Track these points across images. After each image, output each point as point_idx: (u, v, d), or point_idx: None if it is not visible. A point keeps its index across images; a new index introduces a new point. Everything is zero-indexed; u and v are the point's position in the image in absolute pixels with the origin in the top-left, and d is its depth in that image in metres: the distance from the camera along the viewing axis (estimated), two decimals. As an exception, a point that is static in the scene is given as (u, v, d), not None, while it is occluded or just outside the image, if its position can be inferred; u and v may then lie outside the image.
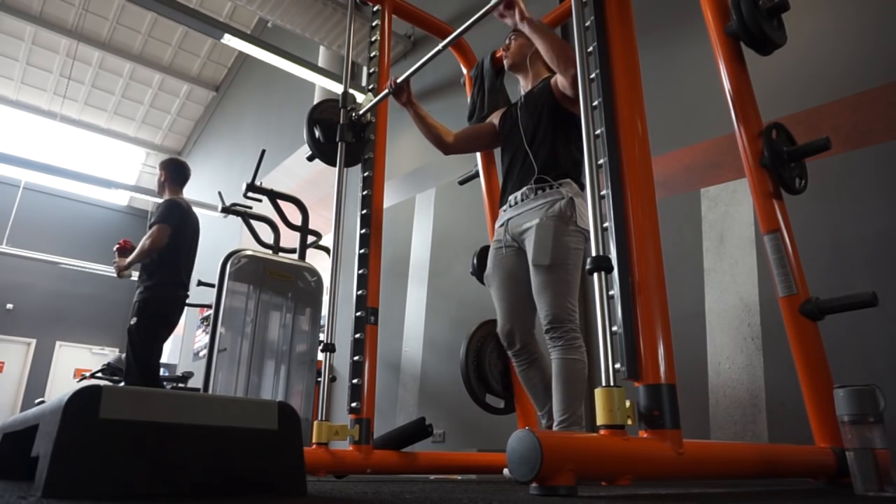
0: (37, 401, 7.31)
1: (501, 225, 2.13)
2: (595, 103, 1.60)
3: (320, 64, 6.07)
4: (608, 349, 1.33)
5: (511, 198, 2.10)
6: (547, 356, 1.97)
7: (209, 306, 5.59)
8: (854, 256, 2.31)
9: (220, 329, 4.98)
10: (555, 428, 1.89)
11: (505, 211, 2.13)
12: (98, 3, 8.67)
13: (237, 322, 5.20)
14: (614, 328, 1.41)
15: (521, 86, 2.31)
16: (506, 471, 1.97)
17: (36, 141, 10.89)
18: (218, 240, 8.31)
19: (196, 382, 6.10)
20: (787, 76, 2.59)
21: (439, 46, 2.35)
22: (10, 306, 10.96)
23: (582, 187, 2.01)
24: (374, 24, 2.85)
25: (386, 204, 2.66)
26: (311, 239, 4.85)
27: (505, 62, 2.33)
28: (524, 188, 2.06)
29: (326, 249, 4.45)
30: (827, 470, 1.65)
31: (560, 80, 2.03)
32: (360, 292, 2.45)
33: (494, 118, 2.43)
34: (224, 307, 5.02)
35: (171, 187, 3.93)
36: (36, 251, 10.52)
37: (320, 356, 2.64)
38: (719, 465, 1.50)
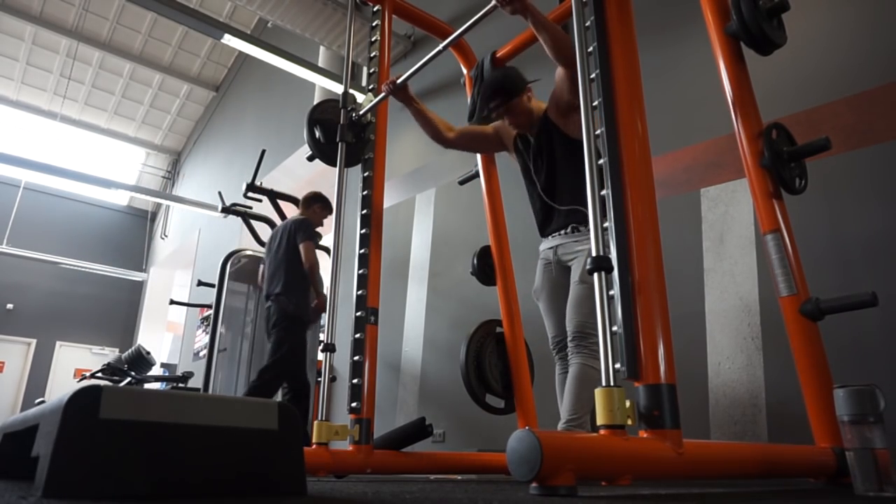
0: (37, 401, 7.32)
1: (550, 248, 2.24)
2: (595, 103, 1.60)
3: (320, 64, 6.07)
4: (608, 349, 1.33)
5: (560, 232, 2.21)
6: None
7: (209, 306, 5.59)
8: (854, 256, 2.31)
9: (220, 329, 4.98)
10: (560, 426, 1.92)
11: (553, 238, 2.24)
12: (98, 3, 8.67)
13: (237, 322, 5.21)
14: (614, 328, 1.41)
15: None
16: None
17: (36, 141, 10.89)
18: (218, 240, 8.32)
19: (196, 382, 6.10)
20: (786, 76, 2.59)
21: (439, 47, 2.35)
22: (10, 306, 10.97)
23: None
24: (374, 24, 2.85)
25: (386, 204, 2.66)
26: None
27: (517, 130, 2.32)
28: (571, 219, 2.16)
29: (326, 249, 4.44)
30: (827, 470, 1.65)
31: (558, 83, 2.07)
32: (360, 292, 2.45)
33: (501, 129, 2.42)
34: (224, 307, 5.03)
35: (314, 212, 3.93)
36: (36, 251, 10.54)
37: (320, 356, 2.64)
38: (719, 465, 1.50)
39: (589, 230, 2.02)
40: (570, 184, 2.14)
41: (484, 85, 2.32)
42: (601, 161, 1.55)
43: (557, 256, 2.21)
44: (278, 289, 3.60)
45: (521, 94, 2.23)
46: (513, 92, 2.21)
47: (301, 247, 3.62)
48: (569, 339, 2.02)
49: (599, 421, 1.28)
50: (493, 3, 1.95)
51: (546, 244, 2.29)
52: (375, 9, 2.85)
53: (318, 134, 2.71)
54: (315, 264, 3.64)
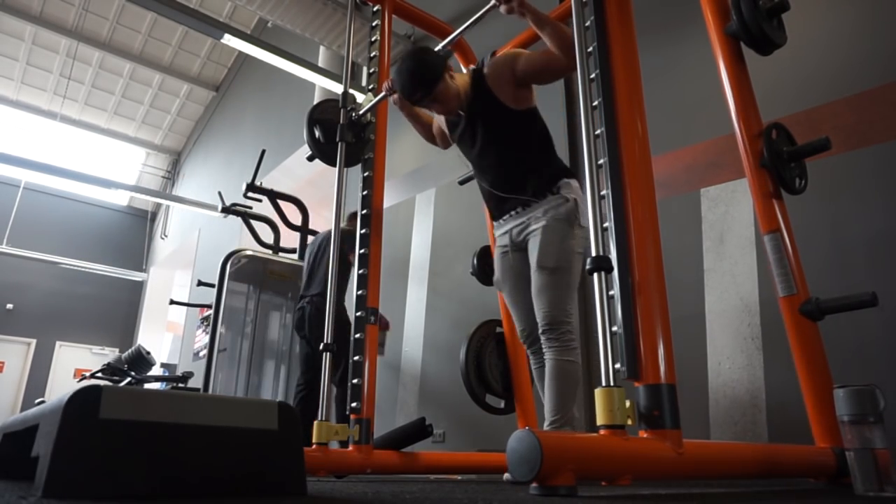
0: (37, 401, 7.31)
1: (505, 233, 2.10)
2: (595, 103, 1.60)
3: (320, 64, 6.07)
4: (608, 349, 1.33)
5: (511, 213, 2.06)
6: None
7: (209, 306, 5.59)
8: (854, 256, 2.31)
9: (220, 329, 4.98)
10: (545, 427, 1.89)
11: (506, 221, 2.09)
12: (98, 3, 8.67)
13: (237, 322, 5.21)
14: (614, 328, 1.41)
15: None
16: (506, 475, 1.97)
17: (36, 141, 10.89)
18: (218, 240, 8.31)
19: (196, 382, 6.10)
20: (786, 76, 2.59)
21: (439, 46, 2.35)
22: (10, 306, 10.97)
23: (570, 175, 2.02)
24: (374, 24, 2.85)
25: (386, 204, 2.65)
26: (310, 239, 4.84)
27: (450, 116, 2.14)
28: (524, 197, 2.01)
29: (326, 249, 4.45)
30: (827, 470, 1.65)
31: (539, 59, 1.94)
32: (360, 292, 2.45)
33: (437, 119, 2.31)
34: (224, 307, 5.03)
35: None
36: (36, 251, 10.54)
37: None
38: (719, 465, 1.50)
39: (544, 201, 1.97)
40: (516, 158, 2.01)
41: (398, 81, 2.05)
42: (601, 161, 1.55)
43: (513, 239, 2.07)
44: (317, 290, 3.72)
45: (443, 77, 1.99)
46: (434, 80, 1.98)
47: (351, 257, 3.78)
48: (539, 332, 1.93)
49: (599, 421, 1.28)
50: (493, 2, 1.94)
51: (500, 229, 2.13)
52: (375, 9, 2.85)
53: (317, 134, 2.71)
54: None
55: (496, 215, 2.14)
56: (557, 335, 1.88)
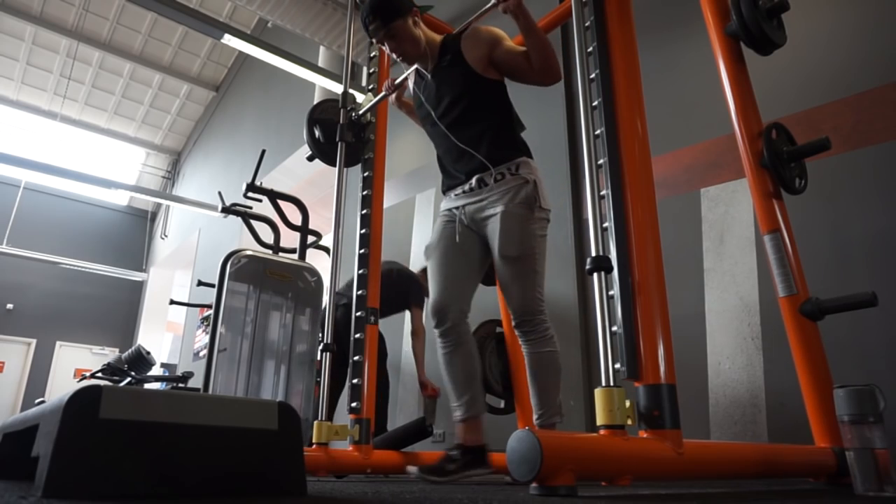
0: (37, 401, 7.31)
1: (455, 207, 1.97)
2: (595, 103, 1.60)
3: (320, 64, 6.07)
4: (608, 349, 1.33)
5: (466, 186, 1.94)
6: (474, 343, 1.90)
7: (209, 306, 5.59)
8: (854, 256, 2.31)
9: (220, 329, 4.98)
10: (535, 422, 1.90)
11: (458, 196, 1.97)
12: (98, 3, 8.67)
13: (237, 322, 5.20)
14: (614, 328, 1.41)
15: (419, 63, 2.11)
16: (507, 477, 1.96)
17: (36, 141, 10.89)
18: (218, 240, 8.31)
19: (196, 382, 6.10)
20: (786, 76, 2.59)
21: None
22: (10, 306, 10.96)
23: (529, 154, 1.94)
24: (374, 24, 2.84)
25: (386, 204, 2.65)
26: (311, 239, 4.84)
27: (403, 62, 2.09)
28: (480, 174, 1.90)
29: (326, 249, 4.44)
30: (827, 470, 1.65)
31: (521, 58, 1.88)
32: (360, 292, 2.45)
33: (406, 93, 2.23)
34: (224, 307, 5.02)
35: None
36: (36, 251, 10.53)
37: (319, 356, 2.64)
38: (719, 465, 1.50)
39: (502, 182, 1.87)
40: (477, 117, 1.92)
41: (363, 10, 2.01)
42: (601, 161, 1.55)
43: (465, 217, 1.93)
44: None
45: (405, 15, 1.98)
46: (393, 12, 1.96)
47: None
48: (513, 324, 1.89)
49: (599, 421, 1.28)
50: (492, 2, 1.94)
51: (448, 203, 2.00)
52: (375, 9, 2.85)
53: (317, 134, 2.71)
54: None
55: (448, 185, 2.02)
56: (532, 326, 1.85)
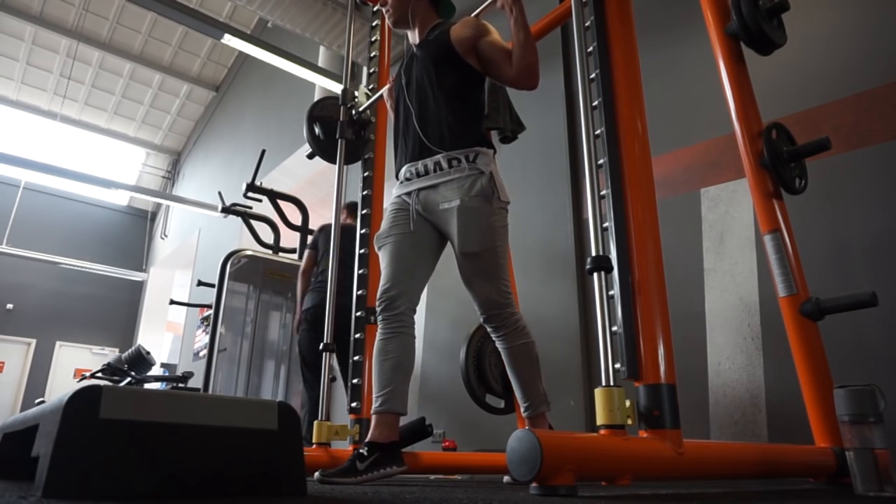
0: (37, 401, 7.31)
1: (407, 193, 1.90)
2: (595, 103, 1.60)
3: (320, 64, 6.07)
4: (608, 349, 1.33)
5: (420, 165, 1.88)
6: (414, 339, 1.85)
7: (209, 306, 5.59)
8: (854, 256, 2.31)
9: (220, 329, 4.98)
10: (524, 414, 1.92)
11: (410, 180, 1.91)
12: (98, 3, 8.67)
13: (237, 322, 5.21)
14: (614, 328, 1.41)
15: (409, 37, 2.08)
16: (506, 478, 1.97)
17: (36, 141, 10.89)
18: (218, 240, 8.31)
19: (196, 382, 6.10)
20: (786, 76, 2.59)
21: (439, 46, 2.34)
22: (10, 306, 10.96)
23: (490, 147, 1.89)
24: (374, 24, 2.85)
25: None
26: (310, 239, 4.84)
27: (388, 20, 2.08)
28: (436, 157, 1.85)
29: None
30: (827, 470, 1.65)
31: (501, 55, 1.86)
32: (360, 292, 2.45)
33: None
34: (224, 307, 5.02)
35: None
36: (36, 251, 10.53)
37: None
38: (719, 465, 1.50)
39: (458, 168, 1.81)
40: (446, 110, 1.87)
41: None
42: (601, 161, 1.55)
43: (419, 206, 1.87)
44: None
45: None
46: None
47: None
48: (482, 319, 1.85)
49: (599, 421, 1.28)
50: (491, 0, 1.94)
51: (401, 189, 1.93)
52: (375, 9, 2.85)
53: (317, 131, 2.71)
54: None
55: (401, 165, 1.97)
56: (502, 321, 1.82)
